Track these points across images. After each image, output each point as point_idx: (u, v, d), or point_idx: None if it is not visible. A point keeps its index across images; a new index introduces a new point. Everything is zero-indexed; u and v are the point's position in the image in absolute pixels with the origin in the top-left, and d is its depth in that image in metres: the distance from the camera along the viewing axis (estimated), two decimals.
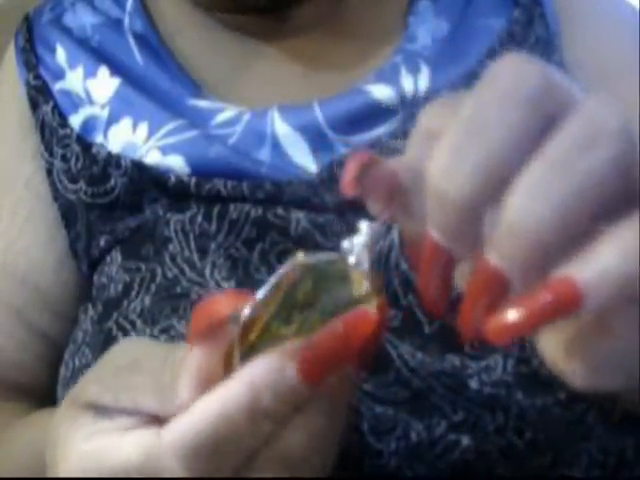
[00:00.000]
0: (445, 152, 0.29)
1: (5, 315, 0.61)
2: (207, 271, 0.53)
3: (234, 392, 0.33)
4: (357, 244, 0.33)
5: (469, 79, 0.57)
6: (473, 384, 0.47)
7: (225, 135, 0.57)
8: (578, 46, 0.60)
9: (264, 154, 0.56)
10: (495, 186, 0.28)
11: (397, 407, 0.47)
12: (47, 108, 0.60)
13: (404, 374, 0.47)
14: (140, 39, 0.61)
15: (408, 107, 0.56)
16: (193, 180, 0.55)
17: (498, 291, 0.29)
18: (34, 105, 0.61)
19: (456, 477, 0.46)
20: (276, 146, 0.56)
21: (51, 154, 0.60)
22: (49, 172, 0.60)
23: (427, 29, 0.59)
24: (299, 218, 0.53)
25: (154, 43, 0.61)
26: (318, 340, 0.32)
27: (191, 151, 0.56)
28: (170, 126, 0.57)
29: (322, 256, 0.34)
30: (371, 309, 0.32)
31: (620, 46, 0.61)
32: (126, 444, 0.35)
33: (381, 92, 0.56)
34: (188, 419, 0.33)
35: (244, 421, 0.33)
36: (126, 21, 0.61)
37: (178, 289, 0.52)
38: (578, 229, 0.28)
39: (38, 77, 0.61)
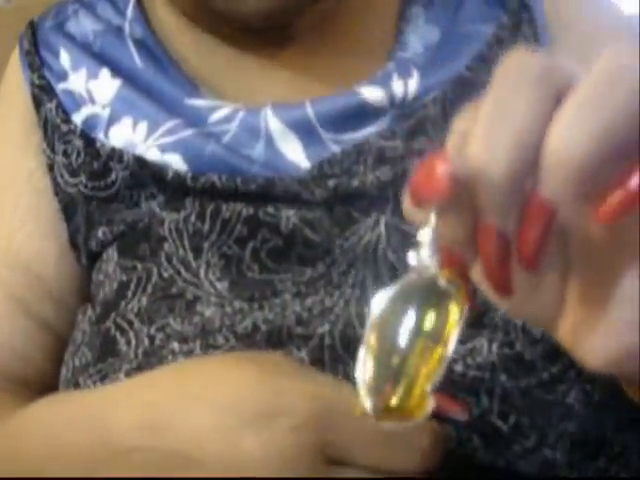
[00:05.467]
0: (479, 134, 0.31)
1: (9, 304, 0.62)
2: (202, 271, 0.55)
3: None
4: (423, 254, 0.33)
5: (457, 83, 0.59)
6: (458, 368, 0.48)
7: (221, 132, 0.59)
8: (570, 50, 0.61)
9: (258, 151, 0.58)
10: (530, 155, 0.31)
11: None
12: (51, 105, 0.62)
13: None
14: (139, 44, 0.63)
15: (397, 108, 0.58)
16: (189, 175, 0.57)
17: (549, 221, 0.31)
18: (38, 103, 0.63)
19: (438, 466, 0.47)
20: (269, 143, 0.58)
21: (53, 150, 0.62)
22: (50, 168, 0.62)
23: (418, 36, 0.61)
24: (289, 215, 0.55)
25: (153, 47, 0.63)
26: None
27: (188, 149, 0.58)
28: (168, 125, 0.59)
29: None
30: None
31: None
32: None
33: (371, 93, 0.58)
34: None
35: None
36: (126, 28, 0.64)
37: (174, 289, 0.54)
38: (615, 155, 0.30)
39: (42, 77, 0.63)
